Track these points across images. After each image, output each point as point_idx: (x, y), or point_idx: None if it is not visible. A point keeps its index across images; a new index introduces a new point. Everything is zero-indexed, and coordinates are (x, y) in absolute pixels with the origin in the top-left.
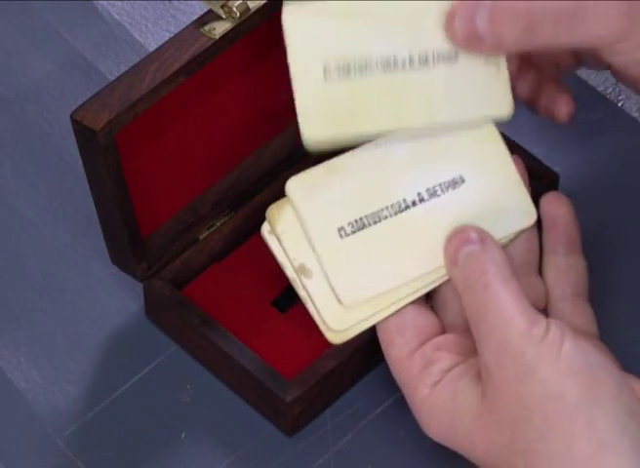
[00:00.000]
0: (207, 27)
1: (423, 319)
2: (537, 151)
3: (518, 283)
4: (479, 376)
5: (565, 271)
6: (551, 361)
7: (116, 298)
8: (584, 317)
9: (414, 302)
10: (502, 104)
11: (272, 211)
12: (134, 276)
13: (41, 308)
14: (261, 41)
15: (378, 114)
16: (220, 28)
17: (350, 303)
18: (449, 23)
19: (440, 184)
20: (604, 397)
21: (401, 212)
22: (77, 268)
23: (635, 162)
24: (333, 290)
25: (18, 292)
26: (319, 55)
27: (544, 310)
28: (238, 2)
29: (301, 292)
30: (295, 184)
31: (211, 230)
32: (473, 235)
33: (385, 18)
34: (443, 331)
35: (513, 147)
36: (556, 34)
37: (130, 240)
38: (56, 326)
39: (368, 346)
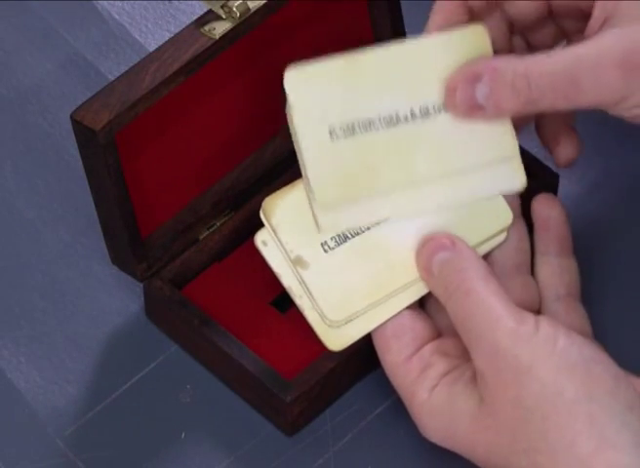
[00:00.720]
0: (207, 27)
1: (420, 323)
2: (537, 151)
3: (498, 282)
4: (475, 380)
5: (558, 272)
6: (546, 358)
7: (116, 298)
8: (578, 317)
9: (409, 307)
10: (507, 147)
11: (268, 203)
12: (134, 276)
13: (41, 308)
14: (261, 41)
15: (387, 168)
16: (219, 28)
17: (338, 325)
18: (450, 96)
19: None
20: (602, 391)
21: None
22: (77, 268)
23: (635, 162)
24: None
25: (18, 292)
26: (324, 117)
27: (538, 311)
28: (238, 2)
29: (298, 301)
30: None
31: (211, 230)
32: (444, 240)
33: (384, 77)
34: (439, 334)
35: None
36: (554, 103)
37: (130, 240)
38: (56, 326)
39: (368, 347)
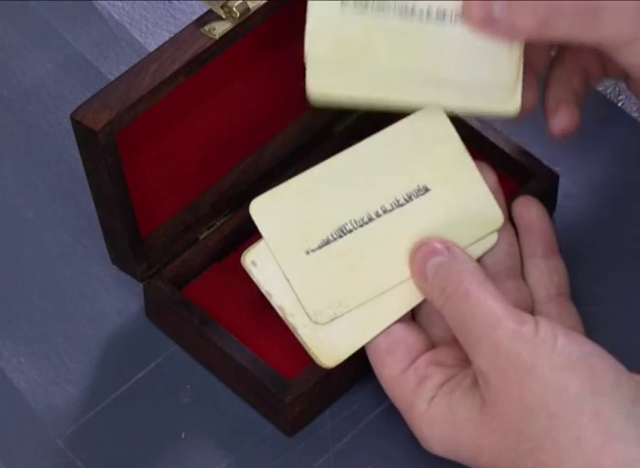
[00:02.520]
0: (207, 27)
1: (413, 336)
2: (537, 151)
3: (495, 285)
4: (474, 386)
5: (547, 273)
6: (548, 356)
7: (116, 298)
8: (571, 316)
9: (401, 320)
10: (507, 77)
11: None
12: (134, 276)
13: (41, 308)
14: (261, 41)
15: (387, 61)
16: (220, 28)
17: (323, 321)
18: (467, 4)
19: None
20: (605, 385)
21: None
22: (77, 268)
23: (635, 162)
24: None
25: (18, 292)
26: None
27: (531, 313)
28: (238, 2)
29: (290, 320)
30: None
31: (211, 230)
32: (438, 245)
33: None
34: (432, 346)
35: (513, 148)
36: (570, 30)
37: (130, 240)
38: (56, 326)
39: None
